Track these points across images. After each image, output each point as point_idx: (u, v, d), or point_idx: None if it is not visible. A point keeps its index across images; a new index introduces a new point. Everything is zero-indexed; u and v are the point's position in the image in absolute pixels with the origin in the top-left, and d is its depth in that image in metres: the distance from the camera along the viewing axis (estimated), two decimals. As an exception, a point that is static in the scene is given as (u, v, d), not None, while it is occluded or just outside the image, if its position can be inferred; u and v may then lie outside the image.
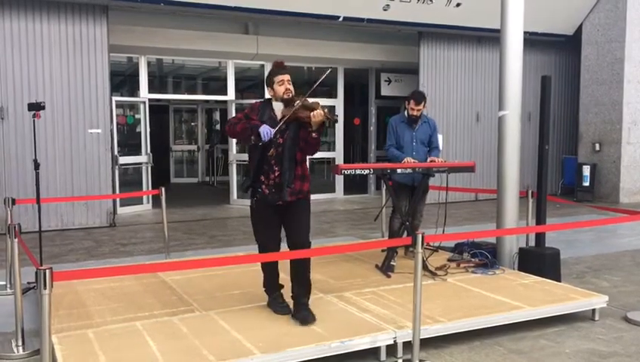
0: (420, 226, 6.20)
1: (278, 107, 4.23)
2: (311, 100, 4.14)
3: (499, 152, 6.00)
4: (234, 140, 11.81)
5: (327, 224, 9.62)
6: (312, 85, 4.29)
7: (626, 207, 10.27)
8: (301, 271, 4.28)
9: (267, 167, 4.21)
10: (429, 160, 5.96)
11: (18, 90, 8.62)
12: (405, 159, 5.84)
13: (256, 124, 4.11)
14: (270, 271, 4.45)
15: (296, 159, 4.25)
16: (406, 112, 6.10)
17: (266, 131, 4.03)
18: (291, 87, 4.23)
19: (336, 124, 12.72)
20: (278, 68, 4.29)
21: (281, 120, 4.13)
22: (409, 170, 5.77)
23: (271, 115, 4.21)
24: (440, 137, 12.10)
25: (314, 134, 4.11)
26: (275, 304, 4.41)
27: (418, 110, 5.99)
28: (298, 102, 4.08)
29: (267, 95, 4.46)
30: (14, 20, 8.57)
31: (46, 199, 7.16)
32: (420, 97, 6.00)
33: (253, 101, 4.80)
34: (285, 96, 4.18)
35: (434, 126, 6.24)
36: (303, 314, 4.16)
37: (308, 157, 4.43)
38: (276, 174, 4.20)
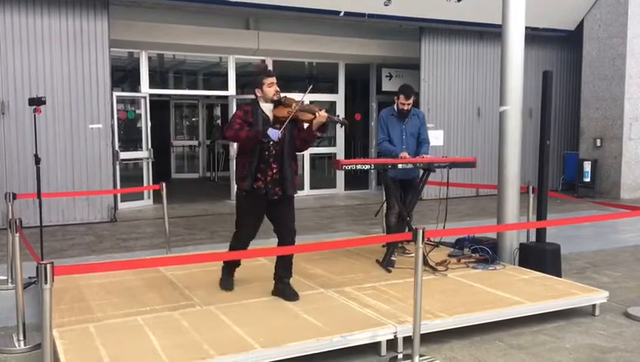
0: (419, 222, 6.19)
1: (267, 108, 4.53)
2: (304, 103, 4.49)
3: (500, 148, 6.00)
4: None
5: (328, 219, 9.62)
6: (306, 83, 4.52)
7: (627, 203, 10.29)
8: (288, 255, 4.66)
9: (265, 166, 4.51)
10: (419, 157, 5.93)
11: (19, 84, 8.62)
12: (402, 154, 5.83)
13: (263, 128, 4.41)
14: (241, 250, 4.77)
15: (292, 156, 4.60)
16: (395, 107, 6.10)
17: (273, 133, 4.34)
18: (279, 89, 4.56)
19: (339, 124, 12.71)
20: (266, 72, 4.61)
21: (283, 121, 4.43)
22: (409, 165, 5.77)
23: (263, 115, 4.51)
24: (441, 133, 12.20)
25: (318, 133, 4.47)
26: (228, 280, 4.89)
27: (408, 104, 6.00)
28: (295, 105, 4.42)
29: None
30: (15, 15, 8.56)
31: (47, 194, 7.16)
32: (409, 92, 6.00)
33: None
34: (275, 98, 4.51)
35: (423, 118, 6.25)
36: (288, 293, 4.59)
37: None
38: (274, 171, 4.51)
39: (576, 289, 4.93)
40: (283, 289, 4.63)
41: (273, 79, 4.54)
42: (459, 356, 3.91)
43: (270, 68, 4.79)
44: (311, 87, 4.73)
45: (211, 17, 10.58)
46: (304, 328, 3.95)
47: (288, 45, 11.33)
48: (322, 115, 4.37)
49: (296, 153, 4.67)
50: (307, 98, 4.51)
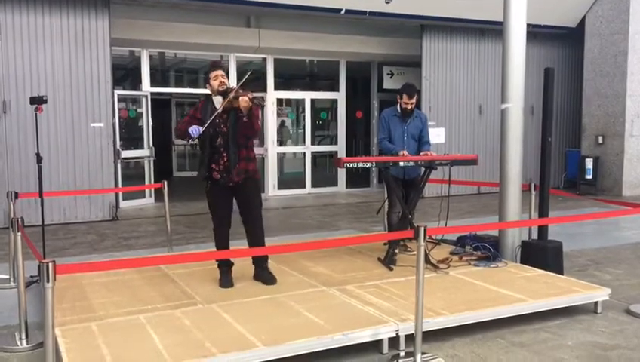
0: (420, 220, 6.18)
1: (217, 100, 4.81)
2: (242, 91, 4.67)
3: (501, 145, 5.98)
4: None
5: (330, 217, 9.62)
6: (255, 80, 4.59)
7: (629, 200, 10.26)
8: (258, 240, 4.94)
9: (217, 156, 4.81)
10: (422, 154, 5.93)
11: (20, 83, 8.62)
12: (401, 152, 5.83)
13: (190, 123, 4.72)
14: (224, 246, 5.05)
15: (240, 143, 4.82)
16: (398, 106, 6.08)
17: (193, 130, 4.63)
18: (225, 80, 4.84)
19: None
20: (212, 65, 4.92)
21: (228, 111, 4.72)
22: (410, 163, 5.76)
23: (212, 108, 4.78)
24: (442, 130, 12.19)
25: (244, 118, 4.69)
26: (226, 278, 4.95)
27: (411, 104, 5.98)
28: (232, 94, 4.63)
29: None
30: (16, 14, 8.57)
31: (49, 193, 7.15)
32: (411, 91, 5.98)
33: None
34: (220, 89, 4.78)
35: (425, 121, 6.22)
36: (265, 277, 4.94)
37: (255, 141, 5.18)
38: (225, 160, 4.80)
39: (578, 286, 4.92)
40: (261, 273, 4.97)
41: (217, 72, 4.81)
42: (460, 353, 3.91)
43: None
44: (247, 75, 4.83)
45: (212, 15, 10.58)
46: (306, 326, 3.95)
47: (289, 43, 11.32)
48: (243, 100, 4.57)
49: (247, 140, 4.87)
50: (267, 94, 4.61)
